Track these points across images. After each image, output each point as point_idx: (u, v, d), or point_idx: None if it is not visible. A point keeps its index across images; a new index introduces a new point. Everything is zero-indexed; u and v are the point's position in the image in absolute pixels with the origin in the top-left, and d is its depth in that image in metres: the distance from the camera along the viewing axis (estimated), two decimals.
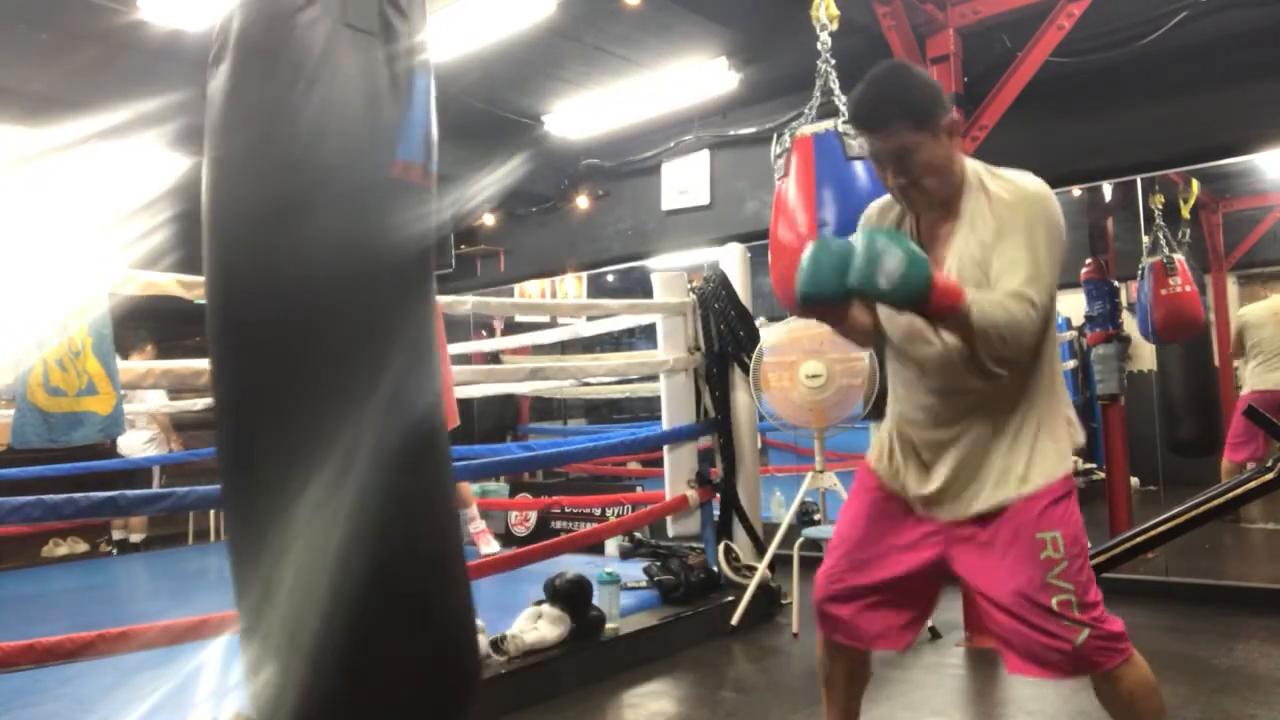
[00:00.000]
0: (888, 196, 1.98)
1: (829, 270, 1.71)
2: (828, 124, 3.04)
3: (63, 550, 6.25)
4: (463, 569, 1.70)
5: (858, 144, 3.02)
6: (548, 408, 9.02)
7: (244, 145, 1.55)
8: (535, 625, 3.27)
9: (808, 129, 3.06)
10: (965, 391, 1.86)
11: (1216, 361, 6.08)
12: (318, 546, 1.44)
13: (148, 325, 6.28)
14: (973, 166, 1.88)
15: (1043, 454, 1.84)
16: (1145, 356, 6.30)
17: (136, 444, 6.20)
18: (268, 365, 1.54)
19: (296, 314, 1.52)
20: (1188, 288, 5.26)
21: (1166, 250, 5.31)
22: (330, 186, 1.51)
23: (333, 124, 1.50)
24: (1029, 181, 1.83)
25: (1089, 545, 1.87)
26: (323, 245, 1.51)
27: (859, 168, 2.96)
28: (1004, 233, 1.77)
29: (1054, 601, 1.77)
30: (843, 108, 3.15)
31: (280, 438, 1.52)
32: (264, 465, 1.54)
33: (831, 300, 1.76)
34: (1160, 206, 5.40)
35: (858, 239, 1.71)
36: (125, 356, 5.19)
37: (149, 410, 6.07)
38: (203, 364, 2.75)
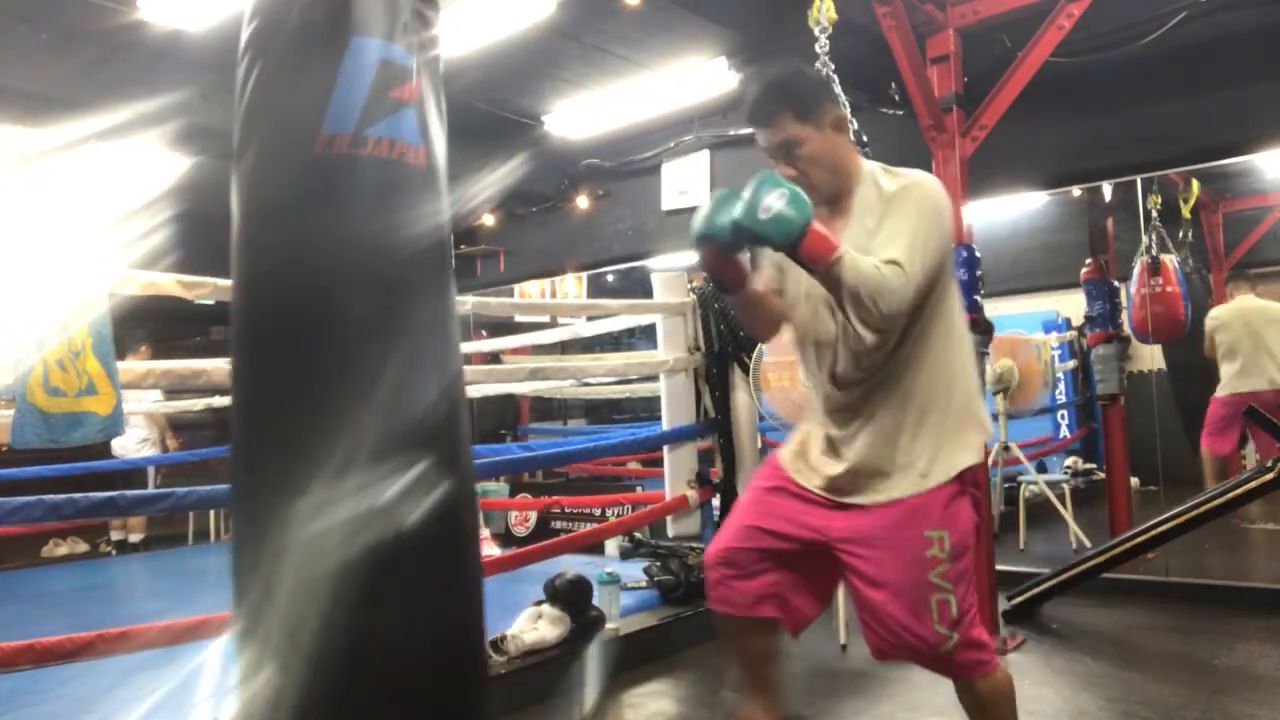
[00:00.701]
0: None
1: (723, 212, 1.77)
2: None
3: (63, 550, 6.25)
4: (475, 574, 1.68)
5: (868, 151, 3.05)
6: (548, 408, 9.02)
7: (241, 141, 1.57)
8: (535, 625, 3.27)
9: None
10: (865, 383, 1.90)
11: None
12: (317, 546, 1.44)
13: (148, 325, 6.28)
14: (869, 166, 1.93)
15: (945, 451, 1.87)
16: (1145, 356, 6.31)
17: (130, 444, 6.19)
18: (268, 365, 1.54)
19: (289, 311, 1.52)
20: (1170, 288, 5.26)
21: (1155, 250, 5.31)
22: (279, 177, 1.52)
23: (282, 120, 1.51)
24: (920, 175, 1.89)
25: (971, 546, 1.89)
26: (287, 238, 1.50)
27: None
28: (888, 215, 1.83)
29: (933, 600, 1.81)
30: (849, 113, 3.15)
31: (277, 434, 1.51)
32: (263, 464, 1.54)
33: (721, 239, 1.80)
34: (1158, 206, 5.40)
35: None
36: (121, 358, 5.19)
37: (145, 410, 6.06)
38: (202, 364, 2.76)
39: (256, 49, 1.55)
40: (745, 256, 1.95)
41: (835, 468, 1.93)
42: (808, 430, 2.05)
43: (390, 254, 1.55)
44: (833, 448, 1.95)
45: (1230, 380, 5.40)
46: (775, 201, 1.71)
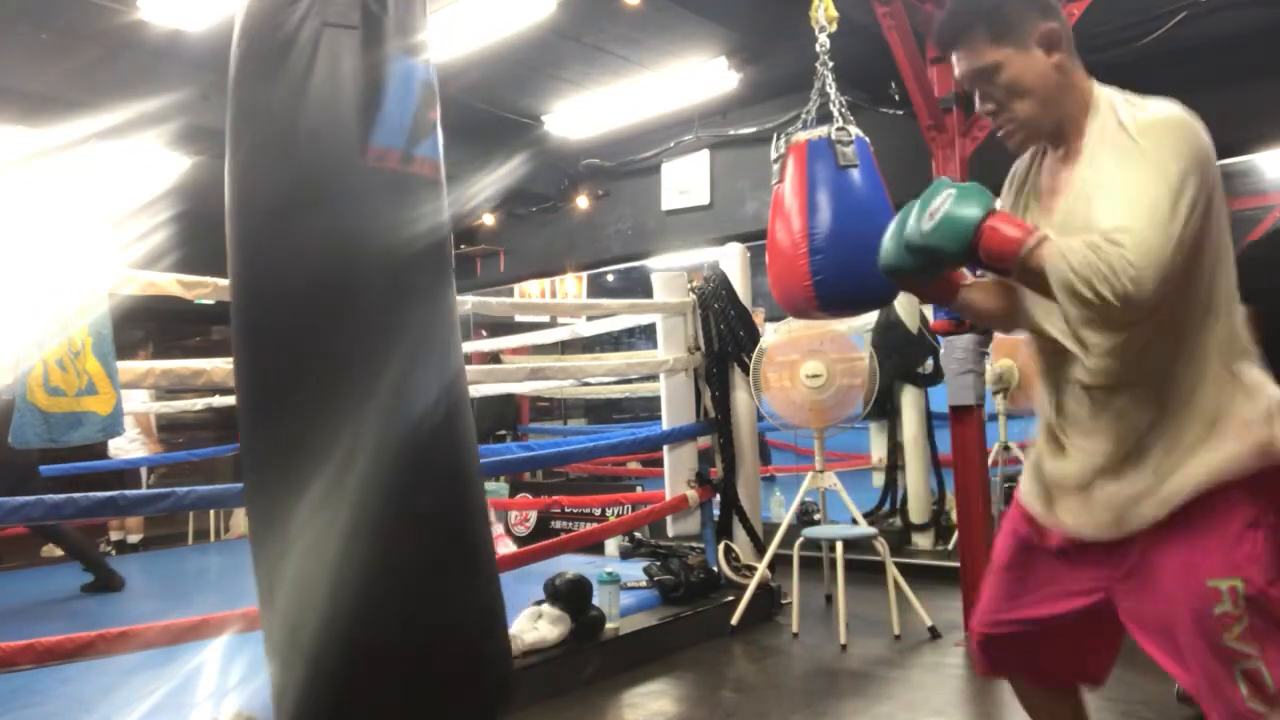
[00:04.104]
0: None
1: (900, 236, 1.51)
2: (822, 131, 3.05)
3: (62, 550, 6.24)
4: (484, 570, 1.68)
5: (850, 151, 3.04)
6: (548, 408, 9.02)
7: (247, 146, 1.57)
8: (535, 625, 3.27)
9: (802, 135, 3.07)
10: (1103, 386, 1.46)
11: None
12: (315, 546, 1.44)
13: (148, 325, 6.28)
14: (1105, 93, 1.51)
15: (1195, 462, 1.38)
16: None
17: (122, 443, 6.17)
18: (269, 364, 1.55)
19: (291, 311, 1.53)
20: None
21: None
22: (315, 182, 1.53)
23: (317, 120, 1.52)
24: (1166, 107, 1.44)
25: None
26: (310, 241, 1.52)
27: (854, 175, 2.98)
28: (1123, 163, 1.39)
29: (1237, 671, 1.35)
30: (838, 113, 3.16)
31: (280, 434, 1.52)
32: (267, 461, 1.54)
33: (907, 270, 1.52)
34: None
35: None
36: (132, 356, 5.18)
37: (133, 411, 6.05)
38: (202, 364, 2.76)
39: (261, 55, 1.56)
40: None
41: (1072, 496, 1.52)
42: (1038, 450, 1.63)
43: (412, 260, 1.60)
44: (1067, 470, 1.53)
45: None
46: (941, 204, 1.43)
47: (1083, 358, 1.46)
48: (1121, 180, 1.37)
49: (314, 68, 1.52)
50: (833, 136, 3.02)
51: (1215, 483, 1.37)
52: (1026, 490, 1.63)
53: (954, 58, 1.54)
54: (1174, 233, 1.31)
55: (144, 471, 6.47)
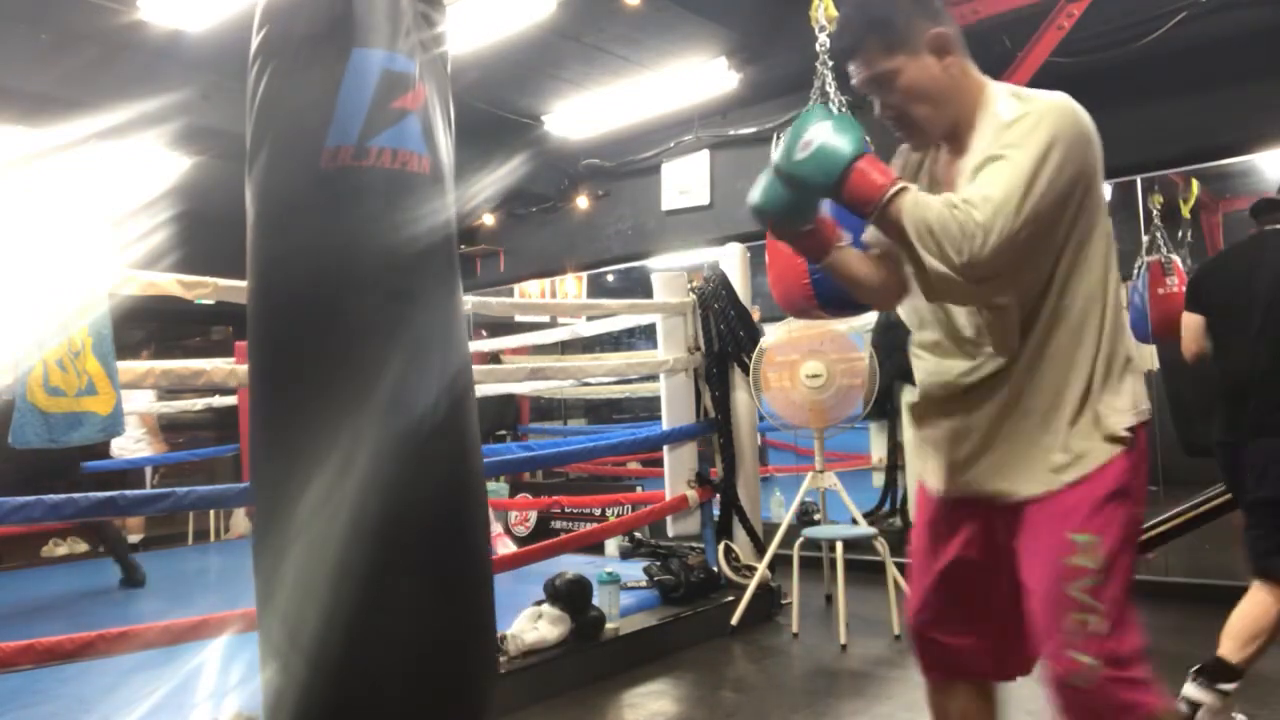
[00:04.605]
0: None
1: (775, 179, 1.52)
2: None
3: (63, 550, 6.24)
4: (483, 571, 1.68)
5: None
6: (548, 408, 9.02)
7: (250, 152, 1.59)
8: (535, 625, 3.27)
9: None
10: (989, 355, 1.56)
11: None
12: (315, 546, 1.44)
13: (148, 325, 6.28)
14: (996, 89, 1.56)
15: (1087, 431, 1.50)
16: (1144, 357, 6.30)
17: (127, 443, 6.17)
18: (271, 365, 1.56)
19: (289, 313, 1.53)
20: (1183, 288, 5.27)
21: (1165, 250, 5.30)
22: (294, 188, 1.53)
23: (290, 126, 1.53)
24: (1049, 95, 1.49)
25: (1130, 555, 1.49)
26: (300, 246, 1.52)
27: None
28: (992, 147, 1.46)
29: (1071, 620, 1.44)
30: (837, 113, 3.16)
31: (281, 434, 1.53)
32: (269, 460, 1.55)
33: (775, 205, 1.53)
34: (1159, 206, 5.40)
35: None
36: (132, 356, 5.18)
37: (138, 411, 6.05)
38: (202, 364, 2.76)
39: (264, 58, 1.57)
40: (824, 216, 1.61)
41: (957, 453, 1.61)
42: (924, 419, 1.72)
43: (394, 260, 1.57)
44: (955, 436, 1.62)
45: None
46: (816, 134, 1.45)
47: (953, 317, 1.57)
48: (989, 157, 1.44)
49: (292, 74, 1.52)
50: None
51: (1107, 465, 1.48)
52: (921, 470, 1.71)
53: (850, 67, 1.59)
54: (1028, 206, 1.38)
55: (148, 471, 6.47)
